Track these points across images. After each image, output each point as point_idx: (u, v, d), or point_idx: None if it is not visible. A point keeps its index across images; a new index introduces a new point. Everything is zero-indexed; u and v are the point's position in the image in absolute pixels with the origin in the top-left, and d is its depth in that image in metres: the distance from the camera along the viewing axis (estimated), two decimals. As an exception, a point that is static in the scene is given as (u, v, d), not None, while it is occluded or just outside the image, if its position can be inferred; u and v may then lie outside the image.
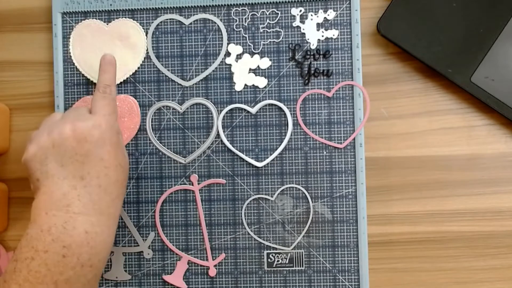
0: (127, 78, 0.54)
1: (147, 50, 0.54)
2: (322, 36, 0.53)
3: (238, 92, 0.53)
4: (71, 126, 0.43)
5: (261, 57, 0.53)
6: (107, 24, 0.54)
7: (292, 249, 0.53)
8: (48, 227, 0.41)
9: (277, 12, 0.53)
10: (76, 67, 0.54)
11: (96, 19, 0.54)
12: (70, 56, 0.54)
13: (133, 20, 0.54)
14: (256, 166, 0.53)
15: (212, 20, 0.53)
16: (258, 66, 0.53)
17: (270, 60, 0.53)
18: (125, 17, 0.54)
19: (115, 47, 0.54)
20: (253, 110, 0.53)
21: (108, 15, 0.54)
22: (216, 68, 0.53)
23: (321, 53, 0.53)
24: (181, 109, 0.53)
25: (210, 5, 0.53)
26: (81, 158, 0.42)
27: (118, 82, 0.53)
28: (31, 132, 0.45)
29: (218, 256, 0.53)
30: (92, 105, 0.46)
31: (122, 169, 0.44)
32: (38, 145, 0.43)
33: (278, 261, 0.53)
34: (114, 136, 0.44)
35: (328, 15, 0.52)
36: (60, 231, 0.40)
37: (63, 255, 0.40)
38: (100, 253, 0.42)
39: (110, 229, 0.43)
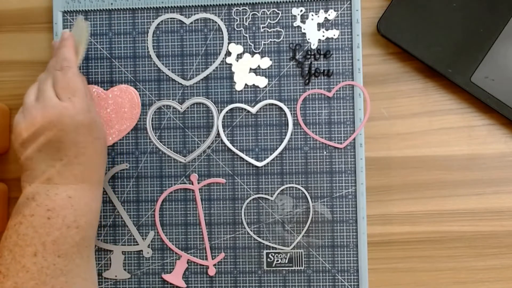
0: (127, 77, 0.54)
1: (148, 49, 0.54)
2: (323, 36, 0.53)
3: (239, 91, 0.53)
4: (41, 114, 0.43)
5: (262, 57, 0.53)
6: (108, 24, 0.54)
7: (291, 249, 0.52)
8: (32, 195, 0.43)
9: (277, 12, 0.53)
10: (76, 66, 0.54)
11: (97, 18, 0.54)
12: (71, 55, 0.54)
13: (134, 19, 0.54)
14: (256, 166, 0.53)
15: (212, 20, 0.53)
16: (259, 66, 0.53)
17: (271, 60, 0.53)
18: (126, 16, 0.54)
19: (116, 46, 0.54)
20: (254, 110, 0.53)
21: (109, 14, 0.54)
22: (216, 67, 0.53)
23: (321, 53, 0.53)
24: (181, 108, 0.53)
25: (210, 5, 0.53)
26: (56, 144, 0.43)
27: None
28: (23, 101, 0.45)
29: (218, 255, 0.53)
30: (54, 87, 0.45)
31: (99, 141, 0.46)
32: (16, 131, 0.44)
33: (277, 260, 0.53)
34: (85, 116, 0.44)
35: (328, 15, 0.53)
36: (43, 198, 0.43)
37: (48, 217, 0.42)
38: (85, 215, 0.44)
39: (93, 192, 0.45)
